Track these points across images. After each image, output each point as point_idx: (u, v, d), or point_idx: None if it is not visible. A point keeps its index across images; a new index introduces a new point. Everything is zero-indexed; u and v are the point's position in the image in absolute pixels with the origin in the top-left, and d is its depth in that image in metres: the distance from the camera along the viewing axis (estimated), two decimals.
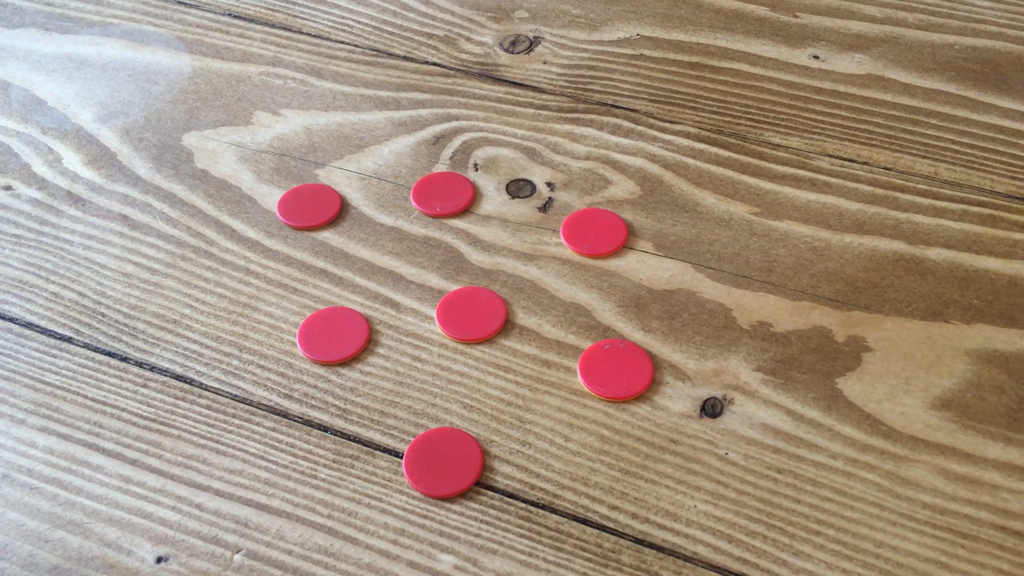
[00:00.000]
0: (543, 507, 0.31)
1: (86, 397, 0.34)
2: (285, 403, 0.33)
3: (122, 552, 0.30)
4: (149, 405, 0.33)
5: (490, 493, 0.31)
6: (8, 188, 0.41)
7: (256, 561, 0.29)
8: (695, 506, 0.31)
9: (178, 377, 0.34)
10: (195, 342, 0.35)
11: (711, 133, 0.43)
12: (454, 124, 0.44)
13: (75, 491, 0.31)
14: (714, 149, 0.42)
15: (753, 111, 0.44)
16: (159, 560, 0.29)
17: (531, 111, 0.45)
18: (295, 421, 0.33)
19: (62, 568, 0.29)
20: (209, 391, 0.34)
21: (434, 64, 0.47)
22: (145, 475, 0.31)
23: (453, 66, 0.47)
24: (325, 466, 0.32)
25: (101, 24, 0.50)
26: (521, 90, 0.46)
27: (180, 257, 0.38)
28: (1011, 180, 0.41)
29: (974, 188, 0.41)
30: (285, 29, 0.49)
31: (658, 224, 0.39)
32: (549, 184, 0.41)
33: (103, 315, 0.36)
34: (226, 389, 0.34)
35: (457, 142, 0.43)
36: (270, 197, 0.41)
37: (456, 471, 0.31)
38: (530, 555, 0.29)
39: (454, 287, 0.37)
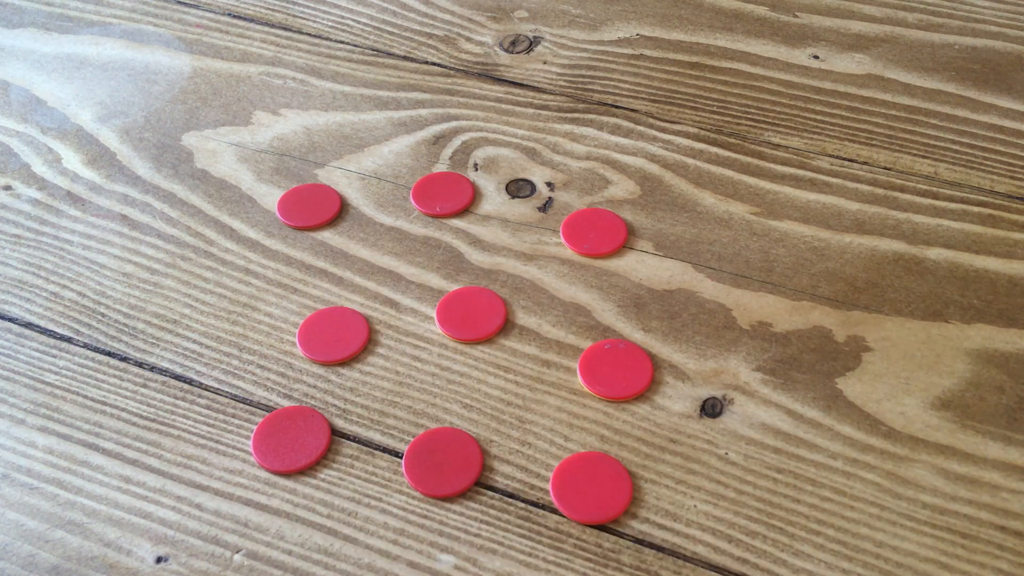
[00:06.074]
0: (543, 507, 0.31)
1: (86, 397, 0.34)
2: (285, 403, 0.33)
3: (122, 552, 0.30)
4: (149, 405, 0.33)
5: (490, 493, 0.31)
6: (8, 188, 0.41)
7: (256, 561, 0.29)
8: (695, 506, 0.31)
9: (178, 377, 0.34)
10: (195, 342, 0.35)
11: (711, 133, 0.43)
12: (454, 124, 0.44)
13: (75, 491, 0.31)
14: (714, 149, 0.42)
15: (753, 111, 0.44)
16: (159, 560, 0.29)
17: (531, 111, 0.45)
18: None
19: (62, 568, 0.29)
20: (209, 391, 0.34)
21: (434, 64, 0.47)
22: (145, 475, 0.31)
23: (453, 66, 0.47)
24: (325, 466, 0.32)
25: (101, 24, 0.50)
26: (521, 90, 0.46)
27: (180, 257, 0.38)
28: (1011, 180, 0.41)
29: (974, 188, 0.41)
30: (285, 29, 0.49)
31: (658, 224, 0.39)
32: (549, 184, 0.41)
33: (103, 315, 0.36)
34: (226, 389, 0.34)
35: (457, 142, 0.43)
36: (270, 197, 0.41)
37: (456, 471, 0.31)
38: (530, 555, 0.29)
39: (454, 287, 0.37)
